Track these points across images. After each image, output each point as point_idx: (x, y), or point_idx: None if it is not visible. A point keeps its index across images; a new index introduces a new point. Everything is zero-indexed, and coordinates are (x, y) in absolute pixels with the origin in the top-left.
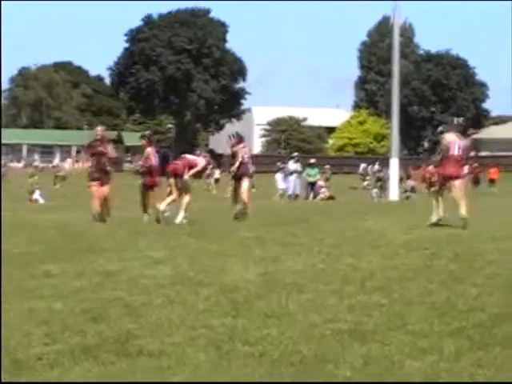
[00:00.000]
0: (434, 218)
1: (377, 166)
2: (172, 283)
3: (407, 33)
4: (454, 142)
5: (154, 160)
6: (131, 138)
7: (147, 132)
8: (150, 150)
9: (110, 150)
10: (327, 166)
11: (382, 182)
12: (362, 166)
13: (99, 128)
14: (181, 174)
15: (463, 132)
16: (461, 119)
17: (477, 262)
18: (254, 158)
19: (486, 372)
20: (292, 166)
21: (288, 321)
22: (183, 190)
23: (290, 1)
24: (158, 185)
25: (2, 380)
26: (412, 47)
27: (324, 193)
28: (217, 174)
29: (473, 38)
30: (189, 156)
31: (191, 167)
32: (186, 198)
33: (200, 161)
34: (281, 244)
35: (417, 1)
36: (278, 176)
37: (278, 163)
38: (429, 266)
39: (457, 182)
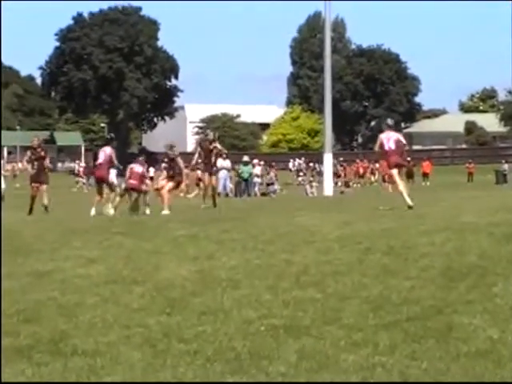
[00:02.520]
0: None
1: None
2: (106, 282)
3: (339, 28)
4: None
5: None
6: (63, 138)
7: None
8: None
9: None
10: (259, 161)
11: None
12: (298, 161)
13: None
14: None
15: None
16: None
17: (410, 256)
18: (188, 156)
19: (419, 364)
20: (220, 163)
21: (223, 317)
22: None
23: None
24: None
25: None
26: (344, 42)
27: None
28: (151, 172)
29: (404, 33)
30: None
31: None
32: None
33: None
34: (215, 241)
35: None
36: None
37: None
38: (363, 261)
39: None
